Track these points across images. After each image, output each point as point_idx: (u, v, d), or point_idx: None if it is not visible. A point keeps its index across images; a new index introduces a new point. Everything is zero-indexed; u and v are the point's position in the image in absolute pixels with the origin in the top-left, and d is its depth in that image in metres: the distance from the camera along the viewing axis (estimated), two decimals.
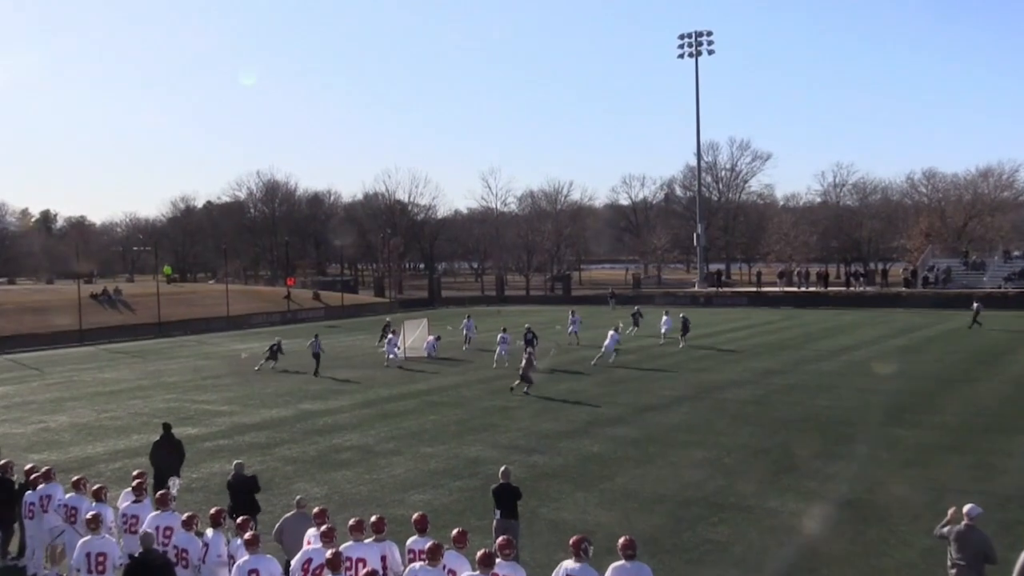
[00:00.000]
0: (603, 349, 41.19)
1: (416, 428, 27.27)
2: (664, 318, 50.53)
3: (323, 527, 11.63)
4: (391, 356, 43.01)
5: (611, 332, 42.27)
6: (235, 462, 16.49)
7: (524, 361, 33.74)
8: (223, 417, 30.21)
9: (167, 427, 19.67)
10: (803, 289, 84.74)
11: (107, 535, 12.48)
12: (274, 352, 43.25)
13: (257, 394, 35.24)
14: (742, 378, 35.59)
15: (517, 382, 33.41)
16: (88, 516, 12.43)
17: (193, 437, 26.86)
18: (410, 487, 20.35)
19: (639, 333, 53.20)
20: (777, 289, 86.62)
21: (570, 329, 50.51)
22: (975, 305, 55.81)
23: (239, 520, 12.28)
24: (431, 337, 46.65)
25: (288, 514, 13.60)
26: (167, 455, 18.86)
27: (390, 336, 45.03)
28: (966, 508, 12.08)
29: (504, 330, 43.85)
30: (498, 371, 39.48)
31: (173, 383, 39.37)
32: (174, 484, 15.08)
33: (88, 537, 12.18)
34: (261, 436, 26.82)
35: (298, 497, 14.49)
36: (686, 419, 27.61)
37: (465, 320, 51.77)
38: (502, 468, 15.13)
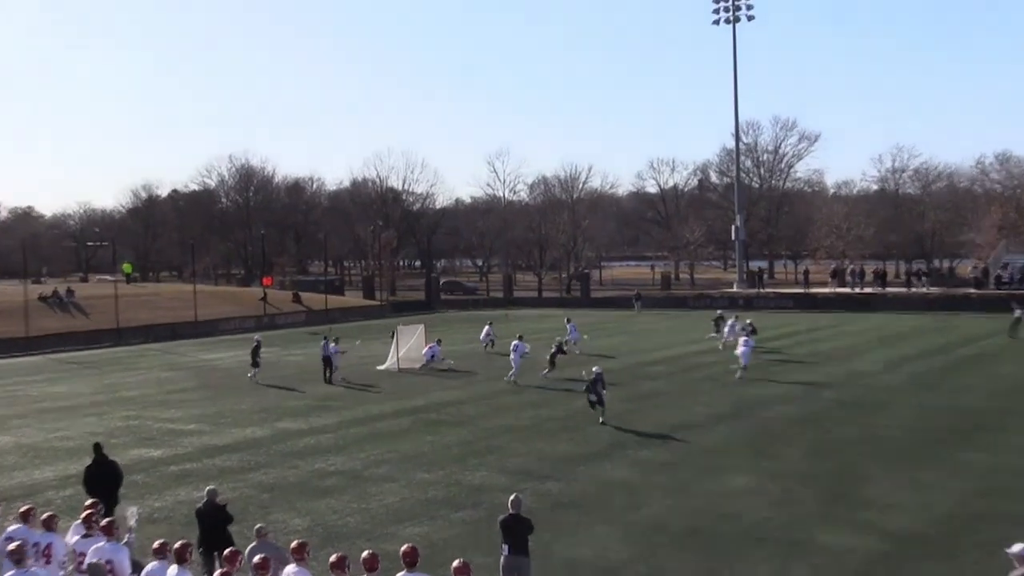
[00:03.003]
0: (512, 363, 39.94)
1: (411, 450, 27.23)
2: (570, 325, 51.26)
3: (256, 559, 11.51)
4: (332, 371, 42.36)
5: (514, 342, 40.45)
6: (207, 488, 16.49)
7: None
8: (190, 437, 30.22)
9: (98, 448, 19.65)
10: (857, 290, 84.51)
11: (49, 569, 12.40)
12: (254, 355, 43.06)
13: (229, 411, 35.26)
14: (788, 393, 35.49)
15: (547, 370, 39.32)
16: (11, 548, 12.26)
17: (156, 460, 26.91)
18: (404, 518, 20.31)
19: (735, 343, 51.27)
20: (827, 290, 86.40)
21: (568, 338, 50.52)
22: (1017, 312, 52.08)
23: (227, 553, 12.16)
24: (431, 343, 46.52)
25: (251, 545, 13.51)
26: (102, 480, 18.81)
27: (329, 345, 43.96)
28: (1015, 548, 11.66)
29: (520, 337, 41.83)
30: (508, 385, 39.42)
31: (133, 398, 39.42)
32: (132, 515, 15.01)
33: (11, 572, 12.04)
34: (233, 459, 26.82)
35: (259, 525, 14.44)
36: (724, 440, 27.52)
37: (486, 327, 51.84)
38: (512, 496, 15.06)
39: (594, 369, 30.86)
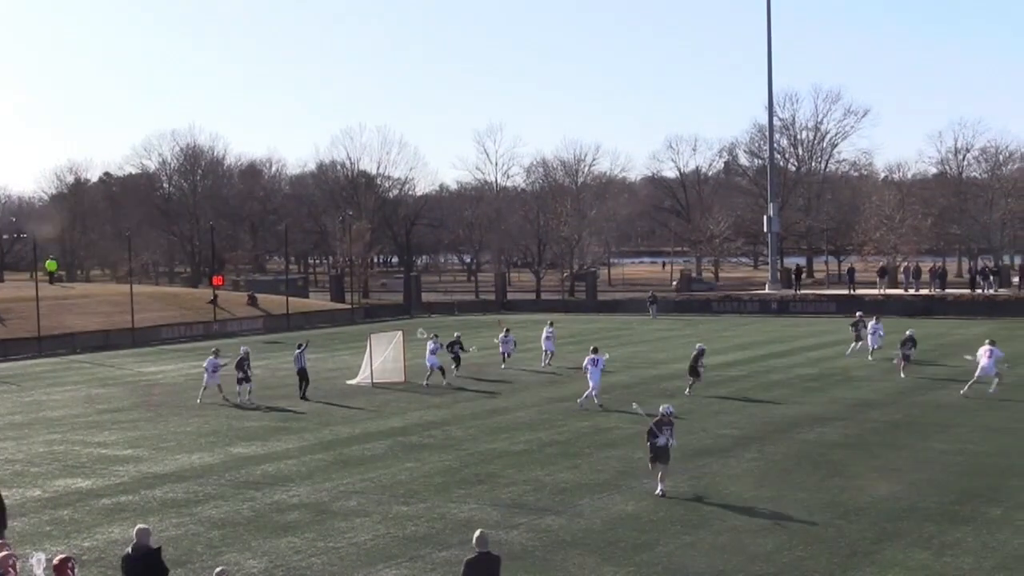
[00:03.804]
0: (590, 381, 38.56)
1: (388, 479, 27.30)
2: (502, 335, 51.04)
3: None
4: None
5: (591, 356, 38.80)
6: (137, 527, 16.27)
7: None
8: (126, 465, 30.23)
9: None
10: (912, 292, 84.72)
11: None
12: (242, 366, 41.72)
13: (172, 434, 35.27)
14: (828, 412, 35.60)
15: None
16: None
17: (85, 492, 26.93)
18: (379, 559, 20.37)
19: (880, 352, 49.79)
20: (876, 291, 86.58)
21: (545, 346, 50.91)
22: None
23: None
24: (430, 342, 45.82)
25: None
26: None
27: (211, 359, 43.18)
28: None
29: (595, 349, 39.43)
30: (504, 401, 39.50)
31: (58, 419, 39.41)
32: (39, 563, 14.94)
33: None
34: (178, 490, 26.84)
35: (220, 569, 14.49)
36: (753, 467, 27.60)
37: (502, 335, 51.37)
38: (477, 533, 15.30)
39: (662, 409, 25.52)
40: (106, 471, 29.43)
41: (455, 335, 48.43)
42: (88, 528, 23.13)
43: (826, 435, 31.67)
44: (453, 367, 46.50)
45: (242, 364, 41.70)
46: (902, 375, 43.02)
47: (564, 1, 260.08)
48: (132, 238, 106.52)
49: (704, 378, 40.92)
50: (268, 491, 26.37)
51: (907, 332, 44.67)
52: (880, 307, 78.02)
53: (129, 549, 15.63)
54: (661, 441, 24.54)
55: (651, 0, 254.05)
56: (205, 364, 43.03)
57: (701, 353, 41.09)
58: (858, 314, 53.63)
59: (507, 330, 51.87)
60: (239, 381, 41.59)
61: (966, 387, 38.26)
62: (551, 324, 53.49)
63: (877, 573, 18.75)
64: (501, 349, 50.43)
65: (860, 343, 51.16)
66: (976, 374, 38.03)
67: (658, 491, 24.43)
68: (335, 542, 21.60)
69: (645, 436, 25.07)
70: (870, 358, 48.74)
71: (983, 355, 38.52)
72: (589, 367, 37.85)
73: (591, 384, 37.69)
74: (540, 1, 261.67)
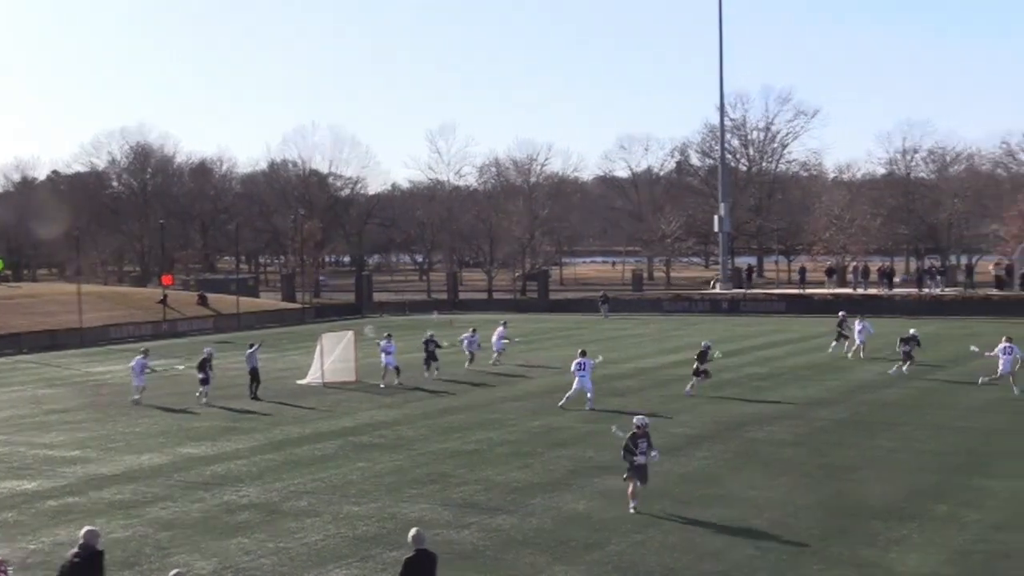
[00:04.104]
0: (579, 386, 38.15)
1: (338, 479, 27.24)
2: (468, 335, 50.87)
3: None
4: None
5: (578, 359, 38.28)
6: (84, 529, 16.05)
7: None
8: (73, 466, 29.98)
9: None
10: (860, 291, 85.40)
11: None
12: (204, 369, 41.57)
13: (121, 434, 35.03)
14: (778, 411, 35.84)
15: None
16: None
17: (31, 494, 26.68)
18: (329, 559, 20.31)
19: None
20: (826, 291, 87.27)
21: (496, 345, 51.37)
22: None
23: None
24: (383, 341, 45.61)
25: None
26: None
27: (139, 358, 42.76)
28: None
29: (583, 352, 38.77)
30: (455, 401, 39.49)
31: (3, 420, 39.09)
32: None
33: None
34: (126, 491, 26.66)
35: (174, 572, 14.40)
36: (704, 466, 27.74)
37: (468, 334, 51.09)
38: (413, 531, 15.45)
39: (637, 420, 23.64)
40: (52, 472, 29.16)
41: (428, 333, 48.15)
42: (33, 530, 22.90)
43: (775, 434, 31.87)
44: (435, 364, 46.32)
45: (204, 365, 41.57)
46: (904, 371, 42.97)
47: (515, 5, 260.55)
48: (80, 237, 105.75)
49: (711, 375, 40.67)
50: (218, 492, 26.23)
51: (910, 331, 44.86)
52: (830, 306, 78.86)
53: (74, 552, 15.40)
54: (640, 460, 22.93)
55: (603, 2, 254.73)
56: (132, 364, 42.59)
57: (707, 350, 40.96)
58: (841, 313, 53.65)
59: (473, 329, 51.52)
60: (201, 382, 41.36)
61: (985, 379, 39.04)
62: (504, 324, 53.59)
63: (825, 570, 18.89)
64: (467, 348, 50.19)
65: (845, 341, 51.39)
66: (999, 370, 38.53)
67: (631, 507, 22.99)
68: (285, 542, 21.51)
69: (622, 453, 23.28)
70: (849, 356, 49.39)
71: (1000, 352, 38.76)
72: (576, 370, 37.44)
73: (575, 386, 37.20)
74: (492, 5, 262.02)
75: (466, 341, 50.40)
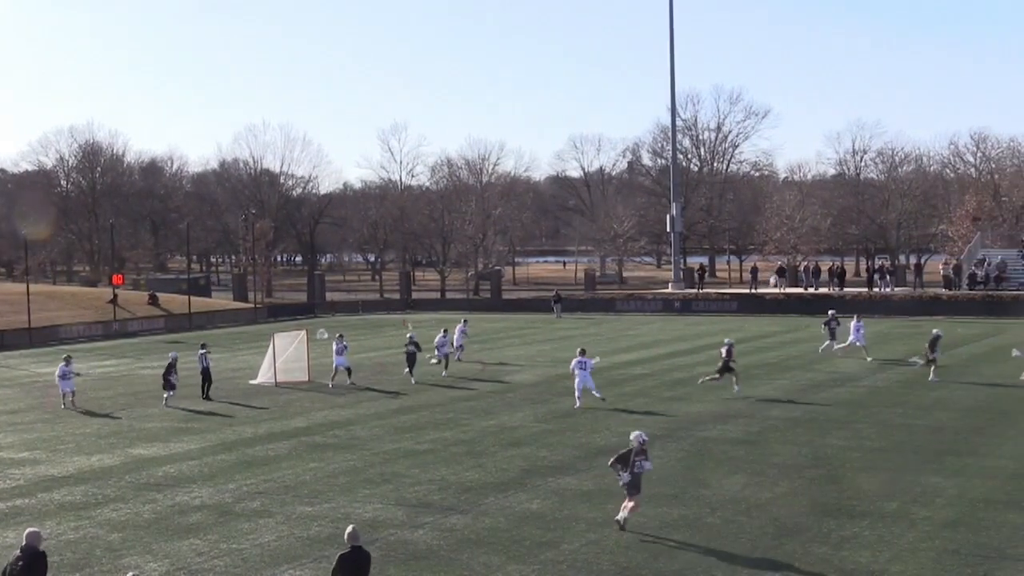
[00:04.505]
0: (577, 388, 38.00)
1: (291, 480, 27.13)
2: (440, 336, 49.06)
3: None
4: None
5: (578, 358, 37.92)
6: (27, 531, 15.87)
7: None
8: (22, 467, 29.72)
9: None
10: (811, 290, 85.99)
11: None
12: (170, 373, 40.90)
13: (71, 435, 34.73)
14: (730, 410, 36.00)
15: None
16: None
17: None
18: (283, 560, 20.23)
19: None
20: (777, 290, 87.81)
21: (456, 342, 50.88)
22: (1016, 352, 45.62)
23: None
24: (335, 344, 45.15)
25: None
26: None
27: (61, 366, 42.02)
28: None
29: (582, 351, 38.32)
30: (408, 401, 39.44)
31: None
32: None
33: None
34: (76, 493, 26.44)
35: (130, 574, 14.31)
36: (656, 465, 27.62)
37: (440, 335, 48.62)
38: (349, 528, 15.50)
39: (636, 437, 21.87)
40: (0, 474, 28.88)
41: (409, 335, 45.83)
42: None
43: (728, 432, 32.04)
44: (416, 368, 44.88)
45: (170, 370, 40.92)
46: (932, 378, 41.34)
47: (467, 5, 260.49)
48: (28, 237, 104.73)
49: (738, 371, 39.93)
50: (169, 493, 26.06)
51: (934, 332, 43.84)
52: (781, 306, 79.49)
53: (17, 556, 15.34)
54: (637, 470, 21.48)
55: (555, 2, 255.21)
56: (56, 372, 41.79)
57: (731, 348, 40.25)
58: (830, 312, 52.90)
59: (445, 330, 49.83)
60: (165, 387, 40.65)
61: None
62: (465, 322, 53.60)
63: (778, 568, 19.01)
64: (439, 352, 47.68)
65: (834, 341, 50.70)
66: (849, 341, 38.90)
67: (619, 515, 21.66)
68: (238, 543, 21.41)
69: (612, 467, 21.87)
70: (840, 355, 49.01)
71: (852, 329, 39.14)
72: (576, 369, 37.36)
73: (579, 384, 37.06)
74: (443, 5, 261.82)
75: (437, 343, 48.21)
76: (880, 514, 22.39)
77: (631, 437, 21.87)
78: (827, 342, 51.27)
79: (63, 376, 41.12)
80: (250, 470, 28.40)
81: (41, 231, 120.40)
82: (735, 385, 39.03)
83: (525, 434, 32.32)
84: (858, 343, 49.02)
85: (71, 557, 20.43)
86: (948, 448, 29.10)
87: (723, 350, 40.04)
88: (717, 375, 39.68)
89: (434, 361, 48.39)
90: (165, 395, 40.82)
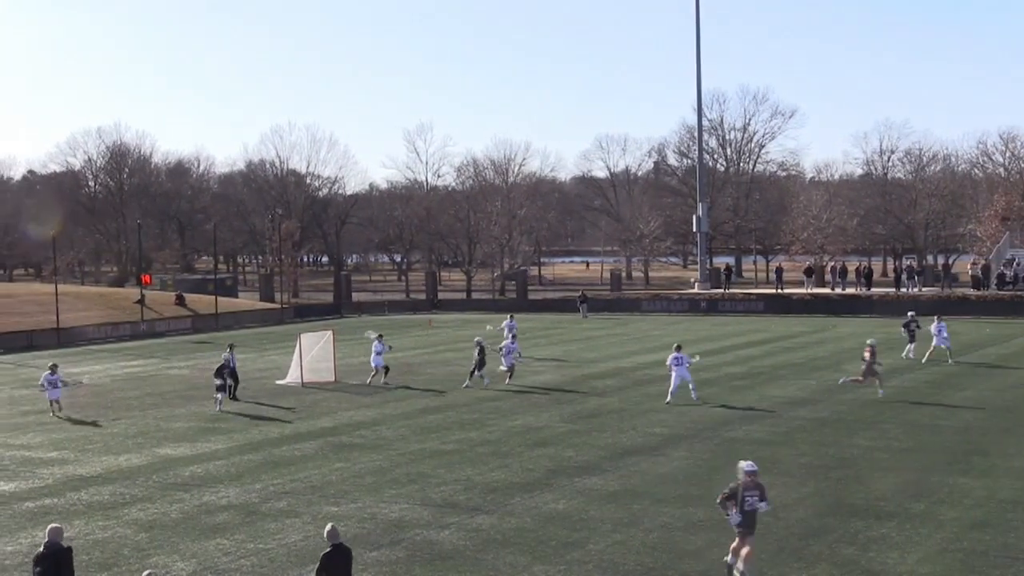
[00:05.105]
0: (674, 382, 38.05)
1: (318, 480, 27.20)
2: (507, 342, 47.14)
3: None
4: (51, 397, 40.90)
5: (674, 354, 38.15)
6: (49, 527, 16.05)
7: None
8: (51, 467, 29.86)
9: None
10: (839, 291, 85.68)
11: None
12: (222, 374, 40.37)
13: (99, 435, 34.88)
14: (757, 411, 35.95)
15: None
16: None
17: (8, 495, 26.55)
18: (309, 560, 20.22)
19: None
20: (804, 291, 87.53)
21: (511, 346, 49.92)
22: None
23: None
24: (376, 344, 44.75)
25: None
26: None
27: (47, 375, 41.71)
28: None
29: (678, 347, 38.79)
30: (434, 401, 39.50)
31: None
32: None
33: None
34: (104, 492, 26.56)
35: (147, 572, 14.35)
36: (683, 466, 27.77)
37: (507, 341, 47.09)
38: (328, 527, 15.71)
39: (745, 466, 18.71)
40: (30, 474, 29.02)
41: (478, 338, 44.46)
42: (11, 532, 22.78)
43: (753, 433, 31.95)
44: (484, 371, 43.56)
45: (222, 371, 40.52)
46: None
47: (494, 6, 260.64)
48: (56, 238, 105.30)
49: (882, 372, 38.88)
50: (196, 492, 26.15)
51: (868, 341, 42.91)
52: (807, 306, 79.14)
53: (42, 547, 15.56)
54: (748, 507, 18.30)
55: (581, 1, 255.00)
56: (41, 381, 41.49)
57: (874, 349, 38.75)
58: (910, 314, 51.37)
59: (513, 336, 48.54)
60: (218, 388, 39.81)
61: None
62: (511, 317, 52.94)
63: (804, 569, 18.96)
64: (505, 360, 44.53)
65: (913, 344, 48.95)
66: None
67: (729, 559, 18.46)
68: (265, 543, 21.47)
69: (720, 505, 18.64)
70: (924, 360, 46.82)
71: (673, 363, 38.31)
72: (673, 365, 37.66)
73: (675, 380, 37.42)
74: (471, 6, 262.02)
75: (505, 349, 45.33)
76: (907, 515, 22.30)
77: (739, 467, 18.79)
78: (908, 346, 49.18)
79: (50, 384, 40.46)
80: (277, 470, 28.47)
81: (68, 232, 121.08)
82: (879, 389, 38.01)
83: (551, 434, 32.30)
84: (942, 345, 47.39)
85: (99, 556, 20.54)
86: (975, 448, 28.95)
87: (866, 352, 38.73)
88: (861, 378, 38.61)
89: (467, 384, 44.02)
90: (216, 396, 39.66)
